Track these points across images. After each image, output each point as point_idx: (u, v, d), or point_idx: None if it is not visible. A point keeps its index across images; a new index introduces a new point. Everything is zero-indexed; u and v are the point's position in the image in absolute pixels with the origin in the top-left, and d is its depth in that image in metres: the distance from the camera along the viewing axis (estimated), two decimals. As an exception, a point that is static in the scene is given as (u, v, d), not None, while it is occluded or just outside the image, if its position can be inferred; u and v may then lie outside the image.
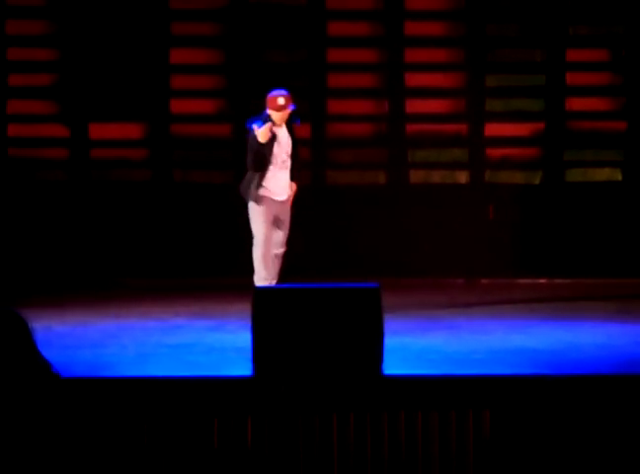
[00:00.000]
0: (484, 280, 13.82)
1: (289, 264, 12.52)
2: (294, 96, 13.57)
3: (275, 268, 10.86)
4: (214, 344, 9.66)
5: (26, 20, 14.03)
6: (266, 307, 8.15)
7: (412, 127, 14.18)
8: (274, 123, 10.55)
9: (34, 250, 13.75)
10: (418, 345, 9.38)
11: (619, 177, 14.16)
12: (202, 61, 14.16)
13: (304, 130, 13.72)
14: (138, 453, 7.54)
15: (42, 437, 1.83)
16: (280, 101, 11.15)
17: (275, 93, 11.03)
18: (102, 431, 7.56)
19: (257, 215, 11.12)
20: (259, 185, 11.11)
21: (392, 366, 8.12)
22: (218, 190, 13.99)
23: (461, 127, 14.23)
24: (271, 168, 10.71)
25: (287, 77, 13.76)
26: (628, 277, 13.43)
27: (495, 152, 14.23)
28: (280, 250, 10.96)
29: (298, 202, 13.59)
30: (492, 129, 14.20)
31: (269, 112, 10.87)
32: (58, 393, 1.99)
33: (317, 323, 8.06)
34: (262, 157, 10.65)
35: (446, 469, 7.69)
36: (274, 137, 10.57)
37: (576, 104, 14.20)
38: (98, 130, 14.09)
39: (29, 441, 1.82)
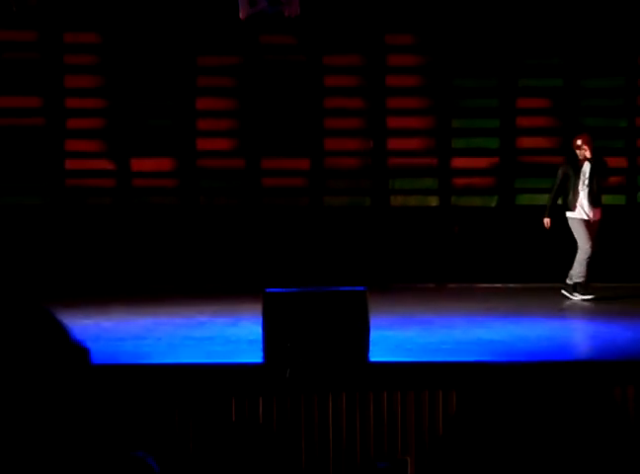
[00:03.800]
0: (451, 285, 13.80)
1: (293, 270, 12.86)
2: (297, 135, 13.87)
3: None
4: (231, 337, 9.76)
5: (79, 75, 14.00)
6: (274, 307, 8.32)
7: (392, 161, 14.15)
8: None
9: (86, 261, 13.65)
10: (397, 337, 9.52)
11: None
12: (221, 107, 14.12)
13: (305, 163, 14.04)
14: (170, 427, 7.80)
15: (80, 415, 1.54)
16: None
17: None
18: (142, 408, 7.82)
19: None
20: None
21: (376, 355, 8.33)
22: (235, 211, 14.04)
23: (432, 161, 14.19)
24: None
25: (291, 121, 13.97)
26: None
27: (459, 181, 14.23)
28: None
29: (302, 222, 13.90)
30: (457, 163, 14.20)
31: None
32: (89, 367, 1.55)
33: (315, 320, 8.24)
34: None
35: (420, 438, 7.99)
36: None
37: (524, 142, 14.23)
38: (138, 164, 14.09)
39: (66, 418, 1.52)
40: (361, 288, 8.63)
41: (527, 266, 13.85)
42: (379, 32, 14.05)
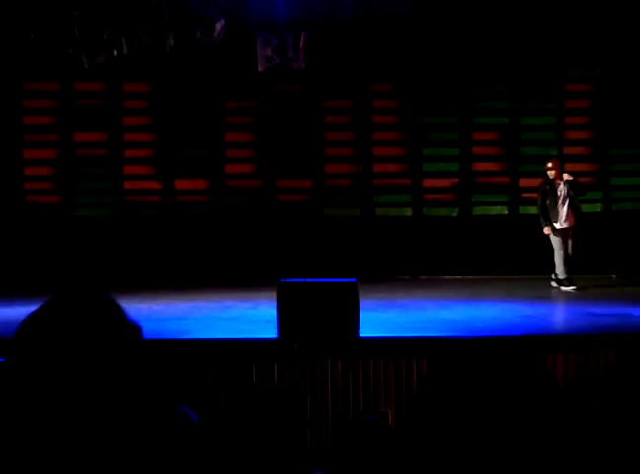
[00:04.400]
0: (422, 277, 13.72)
1: (300, 265, 12.73)
2: (303, 161, 13.82)
3: None
4: (252, 317, 9.69)
5: (135, 116, 13.98)
6: (285, 294, 8.26)
7: (376, 181, 14.07)
8: None
9: (140, 259, 13.66)
10: (381, 317, 9.50)
11: (505, 212, 14.11)
12: (244, 140, 14.02)
13: (309, 183, 13.96)
14: (205, 388, 7.75)
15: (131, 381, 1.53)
16: None
17: None
18: (184, 373, 7.75)
19: None
20: None
21: (364, 331, 8.29)
22: (255, 221, 13.95)
23: (407, 181, 14.12)
24: None
25: (298, 150, 13.93)
26: (512, 274, 13.40)
27: (428, 196, 14.12)
28: None
29: (307, 228, 13.84)
30: (426, 182, 14.11)
31: None
32: (142, 341, 1.58)
33: (317, 304, 8.18)
34: None
35: (399, 395, 7.93)
36: None
37: (478, 166, 14.16)
38: (179, 184, 14.01)
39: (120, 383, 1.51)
40: (353, 280, 8.55)
41: (482, 262, 13.85)
42: (367, 82, 13.97)
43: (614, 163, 14.06)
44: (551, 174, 12.08)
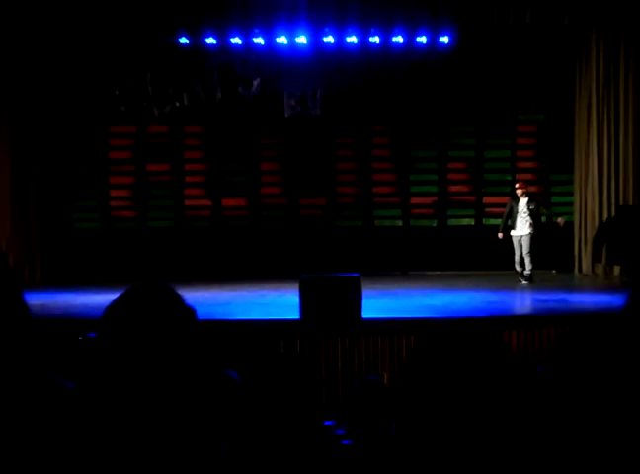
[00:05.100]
0: (411, 272, 13.63)
1: (317, 264, 12.57)
2: (319, 184, 13.76)
3: None
4: (280, 303, 9.65)
5: (192, 151, 13.97)
6: (306, 286, 8.26)
7: (375, 199, 14.01)
8: None
9: (196, 259, 13.58)
10: (378, 303, 9.41)
11: (472, 223, 14.00)
12: (274, 169, 13.98)
13: (323, 202, 13.90)
14: (245, 355, 7.52)
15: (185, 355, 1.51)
16: None
17: None
18: (228, 346, 7.68)
19: None
20: None
21: (366, 314, 8.26)
22: (283, 230, 13.88)
23: (398, 199, 14.05)
24: None
25: (315, 176, 13.88)
26: (478, 270, 13.35)
27: (414, 211, 14.04)
28: None
29: (322, 236, 13.79)
30: (413, 200, 14.03)
31: None
32: (196, 321, 1.54)
33: (329, 293, 8.16)
34: None
35: (392, 362, 7.89)
36: None
37: (452, 188, 14.06)
38: (225, 202, 13.96)
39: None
40: (357, 275, 8.54)
41: (455, 261, 13.80)
42: (367, 124, 13.93)
43: (554, 185, 13.98)
44: (518, 192, 11.89)
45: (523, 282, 11.79)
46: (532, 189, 13.61)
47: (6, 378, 1.00)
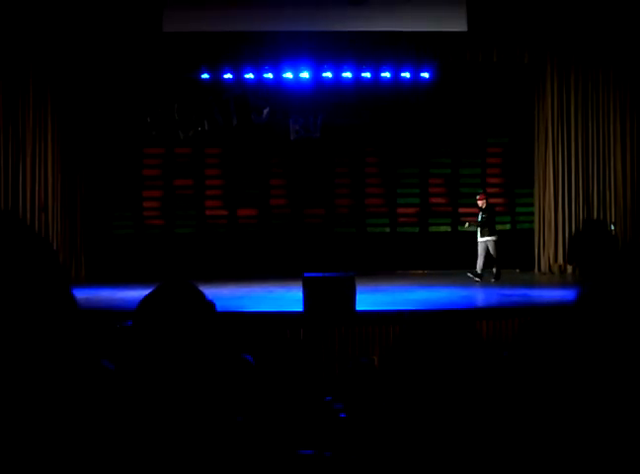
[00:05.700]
0: (397, 271, 13.56)
1: (318, 264, 12.24)
2: (319, 197, 13.66)
3: None
4: (287, 298, 9.57)
5: (212, 169, 13.92)
6: (308, 283, 8.22)
7: (367, 209, 13.96)
8: None
9: (214, 260, 13.52)
10: (370, 298, 9.33)
11: (449, 229, 13.93)
12: (281, 184, 13.91)
13: (322, 211, 13.82)
14: (258, 336, 7.60)
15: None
16: None
17: None
18: (244, 334, 7.44)
19: None
20: None
21: (359, 307, 8.21)
22: (289, 236, 13.79)
23: (386, 209, 13.98)
24: None
25: (316, 190, 13.81)
26: (453, 269, 13.17)
27: (400, 219, 13.98)
28: None
29: (322, 241, 13.70)
30: (399, 210, 13.99)
31: None
32: (215, 313, 1.51)
33: (330, 289, 8.10)
34: None
35: (381, 347, 7.78)
36: None
37: (432, 200, 14.00)
38: (240, 212, 13.89)
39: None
40: (352, 274, 8.51)
41: (435, 261, 13.75)
42: (360, 146, 13.89)
43: (518, 198, 13.94)
44: (479, 203, 11.89)
45: (476, 279, 11.71)
46: (499, 200, 13.66)
47: (60, 359, 1.00)
